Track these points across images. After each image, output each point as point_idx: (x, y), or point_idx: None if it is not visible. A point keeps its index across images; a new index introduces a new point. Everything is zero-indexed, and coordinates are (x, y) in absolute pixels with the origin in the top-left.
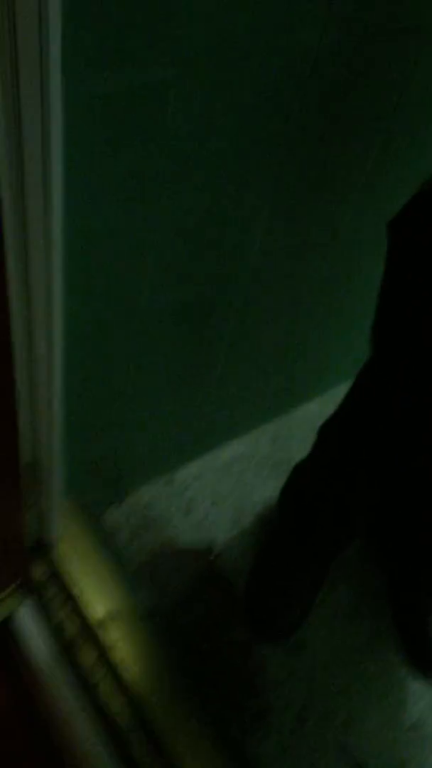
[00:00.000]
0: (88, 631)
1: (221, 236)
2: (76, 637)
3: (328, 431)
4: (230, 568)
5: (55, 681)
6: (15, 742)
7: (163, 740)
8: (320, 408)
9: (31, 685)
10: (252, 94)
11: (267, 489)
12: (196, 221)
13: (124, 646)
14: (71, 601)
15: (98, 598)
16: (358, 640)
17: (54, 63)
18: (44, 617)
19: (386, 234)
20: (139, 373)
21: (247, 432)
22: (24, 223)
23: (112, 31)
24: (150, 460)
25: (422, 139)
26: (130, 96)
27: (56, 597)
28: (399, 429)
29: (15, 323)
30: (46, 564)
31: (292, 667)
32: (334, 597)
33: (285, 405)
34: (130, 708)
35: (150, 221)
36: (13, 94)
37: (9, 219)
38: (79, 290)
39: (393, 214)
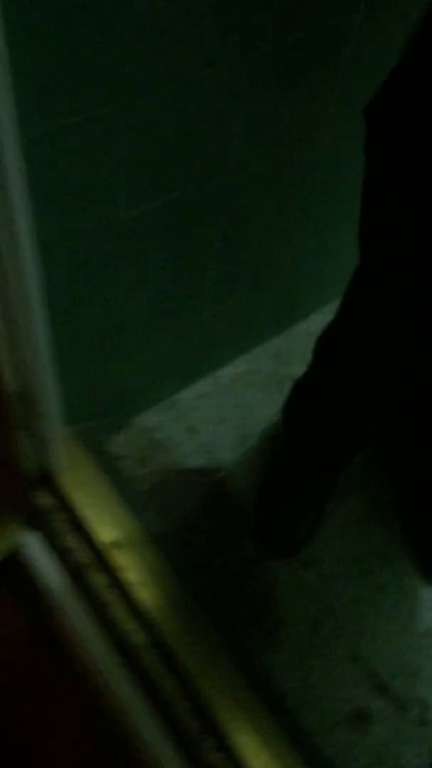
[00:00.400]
0: (98, 556)
1: (198, 129)
2: (86, 562)
3: (325, 343)
4: (238, 487)
5: (69, 606)
6: (36, 668)
7: (176, 657)
8: (322, 321)
9: (46, 612)
10: None
11: (272, 406)
12: (170, 113)
13: (134, 568)
14: (79, 528)
15: (106, 524)
16: (369, 550)
17: None
18: (53, 546)
19: (363, 121)
20: (129, 291)
21: (249, 350)
22: None
23: None
24: (151, 384)
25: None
26: None
27: (64, 525)
28: (394, 331)
29: None
30: (51, 493)
31: (303, 581)
32: (343, 509)
33: (285, 320)
34: (143, 627)
35: (118, 117)
36: None
37: None
38: (46, 199)
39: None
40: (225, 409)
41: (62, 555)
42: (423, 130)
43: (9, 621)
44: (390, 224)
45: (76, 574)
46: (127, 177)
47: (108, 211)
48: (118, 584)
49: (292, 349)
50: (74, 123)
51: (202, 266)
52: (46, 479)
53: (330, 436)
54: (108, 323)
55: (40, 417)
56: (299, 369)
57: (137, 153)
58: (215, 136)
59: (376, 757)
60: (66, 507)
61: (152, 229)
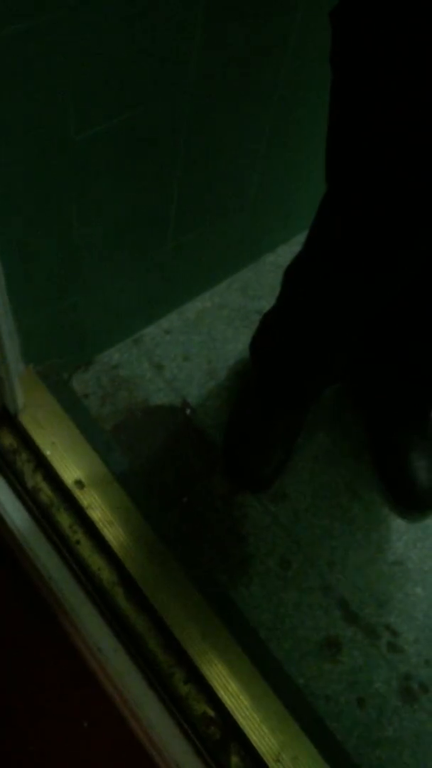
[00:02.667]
0: (64, 494)
1: (154, 42)
2: (50, 501)
3: (293, 274)
4: (207, 423)
5: (35, 545)
6: (4, 608)
7: (144, 592)
8: (291, 253)
9: (12, 551)
10: None
11: (239, 341)
12: (124, 22)
13: (100, 507)
14: (42, 467)
15: (71, 462)
16: (339, 483)
17: None
18: (17, 485)
19: (329, 27)
20: (85, 221)
21: (216, 284)
22: None
23: None
24: (113, 320)
25: None
26: None
27: (27, 464)
28: (362, 260)
29: None
30: (13, 433)
31: (274, 514)
32: (312, 443)
33: (253, 252)
34: (110, 564)
35: (67, 27)
36: None
37: None
38: None
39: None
40: (191, 345)
41: (26, 495)
42: (389, 33)
43: None
44: (357, 141)
45: (41, 514)
46: (76, 93)
47: (58, 132)
48: (83, 523)
49: (260, 283)
50: (20, 30)
51: (163, 194)
52: (8, 419)
53: (299, 370)
54: (64, 255)
55: None
56: (267, 303)
57: (87, 66)
58: (172, 50)
59: (346, 684)
60: (29, 446)
61: (107, 153)
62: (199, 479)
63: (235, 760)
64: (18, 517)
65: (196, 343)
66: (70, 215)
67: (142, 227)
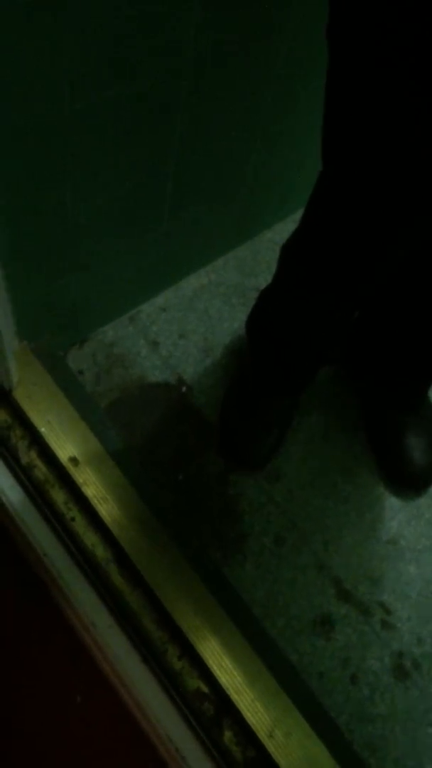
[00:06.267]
0: (59, 471)
1: (151, 15)
2: (45, 478)
3: (290, 251)
4: (202, 401)
5: (30, 522)
6: None
7: (138, 569)
8: (287, 231)
9: (7, 528)
10: None
11: (236, 319)
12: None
13: (94, 484)
14: (37, 444)
15: (65, 439)
16: (333, 463)
17: None
18: (11, 462)
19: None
20: (81, 197)
21: (212, 261)
22: None
23: None
24: (109, 297)
25: None
26: None
27: (21, 441)
28: (358, 236)
29: None
30: (8, 410)
31: (269, 493)
32: (307, 423)
33: (250, 229)
34: (104, 541)
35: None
36: None
37: None
38: None
39: None
40: (187, 323)
41: (21, 471)
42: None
43: None
44: (353, 117)
45: (35, 491)
46: (70, 64)
47: (53, 103)
48: (78, 500)
49: (257, 260)
50: (16, 4)
51: (159, 171)
52: (2, 395)
53: (294, 349)
54: (59, 231)
55: None
56: (264, 280)
57: (82, 37)
58: (169, 24)
59: (339, 661)
60: (24, 423)
61: (102, 127)
62: (194, 457)
63: (228, 735)
64: (12, 493)
65: (192, 320)
66: (65, 190)
67: (139, 203)
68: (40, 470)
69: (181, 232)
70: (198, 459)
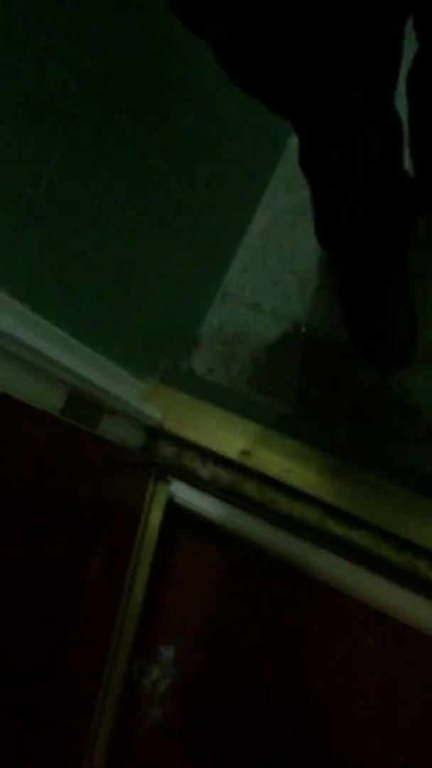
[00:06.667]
0: (238, 468)
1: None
2: (231, 478)
3: (307, 164)
4: (326, 330)
5: (242, 522)
6: (248, 588)
7: (353, 511)
8: None
9: (230, 536)
10: None
11: (311, 236)
12: None
13: (274, 461)
14: (207, 455)
15: (227, 439)
16: None
17: None
18: (197, 483)
19: None
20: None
21: (261, 197)
22: None
23: None
24: (189, 293)
25: None
26: None
27: (194, 461)
28: None
29: None
30: (167, 442)
31: (429, 375)
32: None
33: (276, 143)
34: (310, 503)
35: None
36: None
37: None
38: None
39: None
40: (271, 269)
41: (210, 486)
42: None
43: (203, 561)
44: None
45: (230, 495)
46: None
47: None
48: (268, 482)
49: (299, 171)
50: None
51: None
52: (155, 433)
53: (368, 232)
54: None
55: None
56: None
57: None
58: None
59: None
60: (187, 445)
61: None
62: (348, 382)
63: None
64: (216, 509)
65: (274, 262)
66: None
67: (150, 210)
68: (223, 476)
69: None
70: (351, 382)
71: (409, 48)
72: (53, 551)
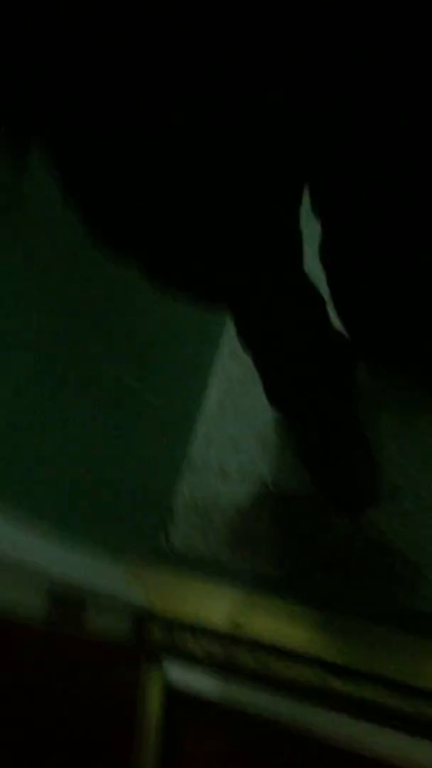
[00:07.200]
0: (232, 640)
1: None
2: (228, 652)
3: (242, 337)
4: (293, 484)
5: (245, 696)
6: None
7: (353, 665)
8: None
9: (240, 714)
10: None
11: (264, 402)
12: None
13: (267, 626)
14: (199, 633)
15: (217, 613)
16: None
17: None
18: (190, 658)
19: None
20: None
21: (212, 367)
22: None
23: None
24: (157, 466)
25: None
26: None
27: (189, 642)
28: None
29: None
30: (156, 625)
31: (404, 512)
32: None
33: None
34: (307, 663)
35: None
36: None
37: None
38: None
39: None
40: (231, 434)
41: (210, 665)
42: None
43: (213, 745)
44: None
45: (229, 671)
46: None
47: None
48: (262, 648)
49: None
50: None
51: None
52: (143, 620)
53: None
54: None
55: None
56: None
57: None
58: None
59: None
60: (176, 624)
61: None
62: (323, 533)
63: None
64: (214, 685)
65: (233, 428)
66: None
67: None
68: (217, 651)
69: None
70: (326, 532)
71: None
72: None
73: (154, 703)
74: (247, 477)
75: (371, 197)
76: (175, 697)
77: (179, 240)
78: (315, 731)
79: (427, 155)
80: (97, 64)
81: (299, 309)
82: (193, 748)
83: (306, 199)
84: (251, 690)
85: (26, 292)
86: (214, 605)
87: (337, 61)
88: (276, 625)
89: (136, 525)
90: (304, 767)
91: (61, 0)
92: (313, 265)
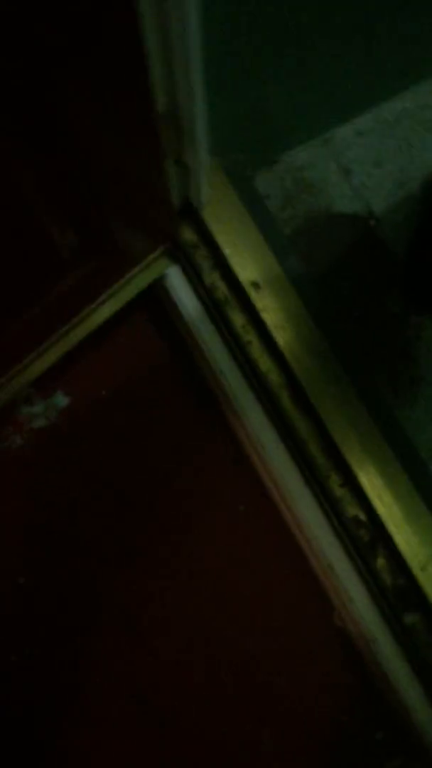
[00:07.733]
0: (239, 294)
1: None
2: (226, 298)
3: None
4: (390, 236)
5: (209, 338)
6: (173, 394)
7: (311, 398)
8: None
9: (184, 341)
10: None
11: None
12: None
13: (273, 310)
14: (221, 264)
15: (249, 262)
16: None
17: None
18: (195, 278)
19: None
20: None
21: (420, 81)
22: None
23: None
24: (304, 116)
25: None
26: None
27: (206, 261)
28: None
29: None
30: (195, 228)
31: None
32: None
33: None
34: (279, 366)
35: None
36: None
37: None
38: None
39: None
40: (384, 150)
41: (203, 290)
42: None
43: (149, 345)
44: None
45: (216, 311)
46: None
47: None
48: (256, 324)
49: None
50: None
51: None
52: (191, 213)
53: None
54: (263, 39)
55: (188, 143)
56: None
57: None
58: None
59: None
60: (208, 242)
61: None
62: (374, 294)
63: (381, 561)
64: (194, 310)
65: (391, 148)
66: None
67: (348, 12)
68: (222, 291)
69: (388, 41)
70: (379, 296)
71: None
72: None
73: (144, 278)
74: (362, 196)
75: None
76: (160, 293)
77: None
78: (235, 412)
79: None
80: None
81: None
82: (138, 340)
83: None
84: (219, 342)
85: None
86: (250, 258)
87: None
88: (282, 315)
89: (252, 141)
90: (201, 425)
91: None
92: None
